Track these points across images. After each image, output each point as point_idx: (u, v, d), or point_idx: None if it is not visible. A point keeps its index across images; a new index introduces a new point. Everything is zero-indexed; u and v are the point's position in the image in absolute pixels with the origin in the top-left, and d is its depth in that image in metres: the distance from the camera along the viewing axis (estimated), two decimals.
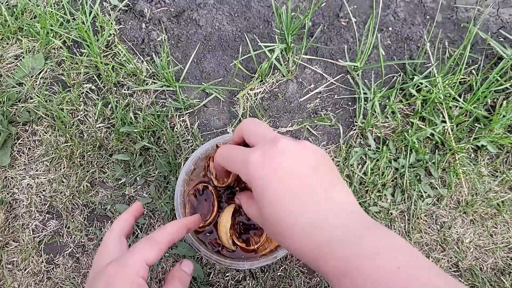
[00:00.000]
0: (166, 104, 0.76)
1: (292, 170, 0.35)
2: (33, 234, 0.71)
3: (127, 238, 0.43)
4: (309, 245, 0.33)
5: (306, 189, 0.35)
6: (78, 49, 0.81)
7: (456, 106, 0.75)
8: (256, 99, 0.76)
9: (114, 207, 0.71)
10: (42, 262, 0.70)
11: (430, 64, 0.78)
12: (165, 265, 0.68)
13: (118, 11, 0.83)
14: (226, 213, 0.53)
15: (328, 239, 0.33)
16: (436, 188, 0.72)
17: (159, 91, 0.77)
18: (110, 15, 0.82)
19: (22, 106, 0.77)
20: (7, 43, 0.82)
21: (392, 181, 0.72)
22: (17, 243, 0.71)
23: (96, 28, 0.81)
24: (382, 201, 0.71)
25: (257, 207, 0.37)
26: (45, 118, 0.76)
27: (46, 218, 0.72)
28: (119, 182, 0.72)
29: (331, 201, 0.35)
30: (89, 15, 0.81)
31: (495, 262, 0.69)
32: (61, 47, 0.80)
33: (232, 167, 0.40)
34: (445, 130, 0.73)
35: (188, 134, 0.74)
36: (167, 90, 0.77)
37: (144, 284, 0.36)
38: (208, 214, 0.56)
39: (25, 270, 0.70)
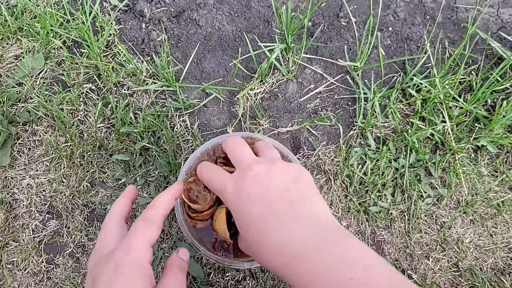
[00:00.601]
0: (166, 104, 0.76)
1: (261, 195, 0.38)
2: (33, 234, 0.71)
3: (126, 221, 0.43)
4: (278, 262, 0.35)
5: (272, 211, 0.37)
6: (78, 49, 0.81)
7: (456, 106, 0.75)
8: (256, 99, 0.76)
9: None
10: (42, 262, 0.70)
11: (430, 64, 0.78)
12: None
13: (118, 11, 0.83)
14: (223, 209, 0.54)
15: (291, 256, 0.34)
16: (436, 188, 0.72)
17: (159, 91, 0.77)
18: (110, 15, 0.82)
19: (22, 106, 0.77)
20: (7, 43, 0.82)
21: (392, 181, 0.72)
22: (17, 243, 0.71)
23: (96, 28, 0.81)
24: (382, 201, 0.71)
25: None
26: (45, 118, 0.76)
27: (46, 218, 0.72)
28: (119, 182, 0.72)
29: (297, 218, 0.36)
30: (89, 15, 0.81)
31: (495, 262, 0.69)
32: (61, 47, 0.80)
33: (212, 189, 0.43)
34: (445, 130, 0.73)
35: (188, 134, 0.74)
36: (167, 90, 0.77)
37: (149, 268, 0.37)
38: (205, 202, 0.55)
39: (25, 270, 0.70)
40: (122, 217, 0.43)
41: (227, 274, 0.67)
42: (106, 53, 0.80)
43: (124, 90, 0.77)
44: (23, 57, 0.80)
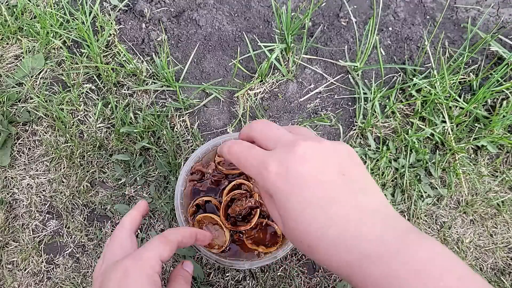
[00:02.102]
0: (166, 104, 0.76)
1: (315, 178, 0.32)
2: (33, 234, 0.71)
3: (135, 234, 0.44)
4: (341, 261, 0.30)
5: (332, 198, 0.31)
6: (78, 49, 0.81)
7: (456, 106, 0.75)
8: (256, 99, 0.76)
9: (114, 207, 0.71)
10: (42, 262, 0.70)
11: (430, 64, 0.78)
12: (165, 265, 0.68)
13: (118, 11, 0.83)
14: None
15: (361, 255, 0.29)
16: (436, 188, 0.72)
17: (159, 91, 0.77)
18: (110, 15, 0.82)
19: (22, 106, 0.77)
20: (7, 43, 0.82)
21: (392, 181, 0.72)
22: (17, 243, 0.71)
23: (96, 28, 0.81)
24: None
25: (279, 216, 0.34)
26: (45, 118, 0.76)
27: (46, 218, 0.72)
28: (119, 182, 0.72)
29: (362, 209, 0.31)
30: (89, 15, 0.81)
31: (495, 262, 0.69)
32: (61, 47, 0.80)
33: (246, 171, 0.36)
34: (445, 130, 0.73)
35: (188, 134, 0.74)
36: (167, 90, 0.77)
37: (159, 280, 0.37)
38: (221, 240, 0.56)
39: (25, 270, 0.70)
40: (132, 229, 0.43)
41: (227, 274, 0.67)
42: (106, 53, 0.80)
43: (124, 90, 0.77)
44: (23, 57, 0.80)
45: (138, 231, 0.70)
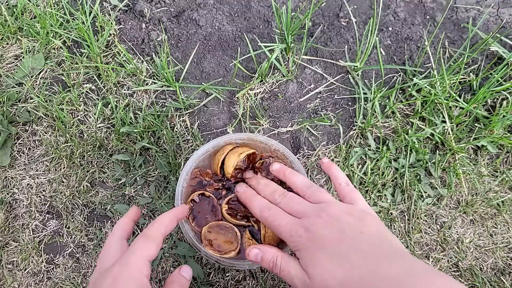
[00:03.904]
0: (166, 104, 0.76)
1: (336, 236, 0.39)
2: (33, 234, 0.71)
3: (127, 240, 0.44)
4: None
5: (351, 249, 0.38)
6: (78, 49, 0.81)
7: (456, 106, 0.75)
8: (256, 99, 0.76)
9: (114, 207, 0.71)
10: (42, 262, 0.70)
11: (430, 64, 0.78)
12: (165, 265, 0.68)
13: (118, 11, 0.83)
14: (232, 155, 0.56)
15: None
16: (436, 188, 0.72)
17: (159, 91, 0.77)
18: (110, 15, 0.82)
19: (22, 106, 0.77)
20: (7, 43, 0.82)
21: (392, 181, 0.72)
22: (17, 243, 0.71)
23: (96, 28, 0.81)
24: (382, 201, 0.71)
25: (301, 272, 0.40)
26: (45, 118, 0.76)
27: (46, 218, 0.72)
28: (119, 182, 0.72)
29: (380, 255, 0.37)
30: (89, 15, 0.81)
31: (495, 262, 0.69)
32: (61, 47, 0.80)
33: (277, 233, 0.45)
34: (445, 130, 0.73)
35: (188, 134, 0.74)
36: (167, 90, 0.77)
37: (147, 283, 0.37)
38: (212, 216, 0.56)
39: (25, 270, 0.70)
40: (122, 236, 0.44)
41: (227, 274, 0.67)
42: (106, 53, 0.80)
43: (124, 90, 0.77)
44: (23, 57, 0.80)
45: (138, 231, 0.70)
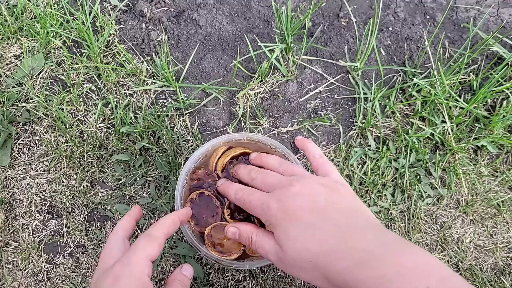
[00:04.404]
0: (166, 104, 0.76)
1: (310, 206, 0.39)
2: (33, 234, 0.71)
3: (129, 239, 0.44)
4: (337, 270, 0.34)
5: (326, 219, 0.37)
6: (78, 49, 0.81)
7: (456, 106, 0.75)
8: (256, 99, 0.76)
9: (114, 207, 0.71)
10: (42, 262, 0.70)
11: (430, 64, 0.78)
12: (165, 265, 0.68)
13: (118, 11, 0.83)
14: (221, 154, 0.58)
15: (353, 263, 0.34)
16: (436, 188, 0.72)
17: (159, 91, 0.77)
18: (110, 15, 0.82)
19: (22, 106, 0.77)
20: (7, 43, 0.82)
21: (392, 181, 0.72)
22: (17, 243, 0.71)
23: (96, 28, 0.81)
24: (382, 201, 0.71)
25: (275, 246, 0.40)
26: (45, 118, 0.76)
27: (46, 218, 0.72)
28: (119, 182, 0.72)
29: (352, 226, 0.36)
30: (89, 15, 0.81)
31: (495, 262, 0.69)
32: (61, 47, 0.80)
33: (252, 211, 0.44)
34: (445, 130, 0.73)
35: (188, 134, 0.74)
36: (167, 90, 0.77)
37: (148, 282, 0.37)
38: (213, 217, 0.56)
39: (25, 270, 0.70)
40: (124, 235, 0.44)
41: (227, 274, 0.67)
42: (106, 53, 0.80)
43: (124, 90, 0.77)
44: (23, 57, 0.80)
45: (138, 231, 0.70)
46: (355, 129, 0.75)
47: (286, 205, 0.39)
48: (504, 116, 0.72)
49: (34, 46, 0.81)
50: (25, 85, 0.78)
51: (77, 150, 0.73)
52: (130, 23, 0.82)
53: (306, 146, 0.51)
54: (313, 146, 0.51)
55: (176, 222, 0.44)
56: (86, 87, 0.78)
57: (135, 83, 0.77)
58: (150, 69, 0.78)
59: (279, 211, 0.39)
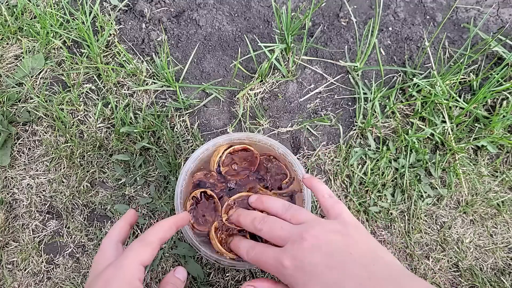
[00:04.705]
0: (166, 104, 0.76)
1: (326, 263, 0.37)
2: (33, 234, 0.71)
3: (123, 244, 0.44)
4: None
5: (346, 276, 0.36)
6: (78, 49, 0.81)
7: (456, 106, 0.75)
8: (256, 99, 0.76)
9: (114, 207, 0.71)
10: (42, 262, 0.70)
11: (430, 64, 0.78)
12: (165, 265, 0.68)
13: (118, 11, 0.83)
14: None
15: None
16: (436, 188, 0.72)
17: (159, 91, 0.77)
18: (110, 15, 0.82)
19: (22, 106, 0.77)
20: (7, 43, 0.82)
21: (392, 181, 0.72)
22: (17, 243, 0.71)
23: (96, 28, 0.81)
24: (382, 201, 0.71)
25: None
26: (45, 118, 0.76)
27: (46, 218, 0.72)
28: (119, 182, 0.72)
29: (373, 279, 0.35)
30: (89, 15, 0.81)
31: (495, 262, 0.69)
32: (61, 47, 0.80)
33: (268, 270, 0.42)
34: (445, 130, 0.73)
35: (188, 134, 0.74)
36: (167, 90, 0.77)
37: (140, 286, 0.36)
38: (212, 216, 0.56)
39: (25, 270, 0.70)
40: (118, 240, 0.44)
41: (227, 274, 0.67)
42: (106, 53, 0.80)
43: (124, 90, 0.77)
44: (23, 57, 0.80)
45: (138, 231, 0.70)
46: (355, 129, 0.75)
47: (302, 263, 0.37)
48: (504, 116, 0.72)
49: (34, 46, 0.81)
50: (25, 85, 0.78)
51: (77, 150, 0.73)
52: (130, 23, 0.82)
53: (314, 185, 0.49)
54: (321, 185, 0.48)
55: (172, 227, 0.44)
56: (86, 87, 0.78)
57: (135, 83, 0.77)
58: (150, 69, 0.78)
59: (295, 270, 0.38)
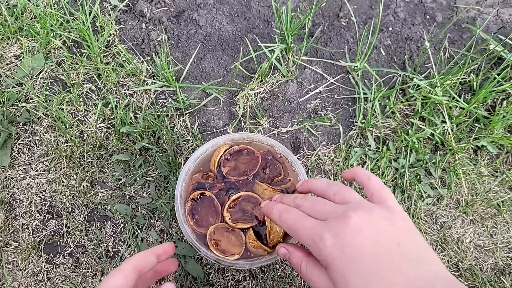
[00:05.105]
0: (166, 104, 0.76)
1: (371, 249, 0.34)
2: (33, 234, 0.71)
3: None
4: None
5: (392, 268, 0.32)
6: (78, 49, 0.81)
7: (456, 106, 0.75)
8: (256, 99, 0.76)
9: (114, 207, 0.71)
10: (42, 262, 0.70)
11: (430, 64, 0.78)
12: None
13: (118, 11, 0.83)
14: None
15: None
16: (436, 188, 0.72)
17: (159, 91, 0.77)
18: (110, 15, 0.82)
19: (22, 106, 0.77)
20: (7, 43, 0.82)
21: (392, 181, 0.72)
22: (17, 243, 0.71)
23: (96, 28, 0.81)
24: None
25: (328, 284, 0.36)
26: (45, 118, 0.76)
27: (46, 218, 0.72)
28: (119, 182, 0.72)
29: (423, 278, 0.32)
30: (89, 15, 0.81)
31: (495, 262, 0.69)
32: (61, 47, 0.80)
33: (300, 239, 0.38)
34: (445, 130, 0.73)
35: (188, 134, 0.74)
36: (167, 90, 0.77)
37: None
38: (212, 216, 0.56)
39: (25, 270, 0.70)
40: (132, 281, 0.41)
41: (227, 274, 0.67)
42: (106, 53, 0.80)
43: (124, 90, 0.77)
44: (23, 57, 0.80)
45: (138, 231, 0.70)
46: (355, 129, 0.75)
47: (344, 242, 0.34)
48: (504, 116, 0.72)
49: (34, 46, 0.81)
50: (25, 85, 0.78)
51: (77, 150, 0.73)
52: (130, 23, 0.82)
53: (354, 172, 0.45)
54: (362, 169, 0.45)
55: (150, 255, 0.43)
56: (86, 87, 0.78)
57: (135, 83, 0.77)
58: (150, 69, 0.78)
59: (335, 248, 0.34)
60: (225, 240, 0.55)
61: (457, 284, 0.33)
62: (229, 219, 0.55)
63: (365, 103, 0.76)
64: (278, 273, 0.67)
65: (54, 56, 0.81)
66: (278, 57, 0.78)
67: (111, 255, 0.70)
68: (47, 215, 0.72)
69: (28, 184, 0.73)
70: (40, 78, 0.79)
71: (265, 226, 0.54)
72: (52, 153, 0.74)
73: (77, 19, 0.80)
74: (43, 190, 0.73)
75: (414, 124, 0.73)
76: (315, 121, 0.75)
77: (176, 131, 0.74)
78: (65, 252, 0.70)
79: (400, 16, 0.83)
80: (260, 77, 0.76)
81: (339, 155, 0.73)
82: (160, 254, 0.44)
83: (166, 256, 0.45)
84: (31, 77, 0.79)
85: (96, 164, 0.73)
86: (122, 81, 0.78)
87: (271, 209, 0.44)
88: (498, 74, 0.72)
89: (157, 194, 0.71)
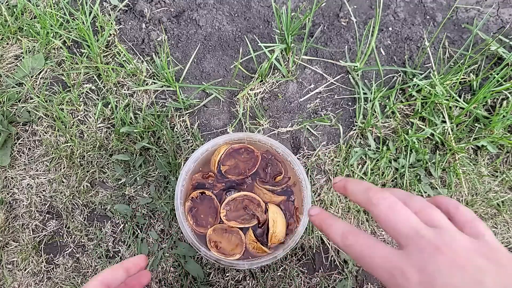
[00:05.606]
0: (166, 104, 0.76)
1: None
2: (33, 234, 0.71)
3: None
4: None
5: None
6: (78, 49, 0.81)
7: (456, 106, 0.75)
8: (256, 99, 0.76)
9: (114, 207, 0.71)
10: (42, 262, 0.70)
11: (430, 64, 0.78)
12: (165, 265, 0.68)
13: (118, 11, 0.83)
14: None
15: None
16: (436, 188, 0.72)
17: (159, 91, 0.77)
18: (110, 15, 0.82)
19: (22, 106, 0.77)
20: (7, 43, 0.82)
21: (392, 181, 0.72)
22: (17, 243, 0.71)
23: (96, 28, 0.81)
24: None
25: None
26: (45, 118, 0.76)
27: (46, 218, 0.72)
28: (119, 182, 0.72)
29: None
30: (89, 15, 0.81)
31: None
32: (61, 47, 0.80)
33: (372, 271, 0.31)
34: (445, 130, 0.73)
35: (188, 134, 0.74)
36: (167, 90, 0.77)
37: None
38: (212, 216, 0.56)
39: (25, 270, 0.70)
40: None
41: (227, 274, 0.67)
42: (106, 53, 0.80)
43: (124, 90, 0.77)
44: (23, 57, 0.80)
45: (138, 231, 0.70)
46: (355, 129, 0.75)
47: (433, 283, 0.27)
48: (504, 116, 0.72)
49: (34, 46, 0.81)
50: (25, 85, 0.78)
51: (77, 150, 0.73)
52: (130, 23, 0.82)
53: (438, 200, 0.35)
54: (447, 198, 0.36)
55: (118, 269, 0.42)
56: (86, 87, 0.78)
57: (135, 83, 0.77)
58: (150, 69, 0.78)
59: (419, 285, 0.28)
60: (225, 240, 0.55)
61: None
62: (224, 215, 0.55)
63: (365, 103, 0.76)
64: (278, 273, 0.67)
65: (54, 56, 0.81)
66: (278, 57, 0.78)
67: (111, 255, 0.70)
68: (47, 215, 0.72)
69: (28, 184, 0.73)
70: (40, 78, 0.79)
71: (264, 227, 0.55)
72: (52, 153, 0.74)
73: (77, 19, 0.80)
74: (43, 190, 0.73)
75: (414, 124, 0.73)
76: (315, 121, 0.75)
77: (176, 131, 0.74)
78: (65, 252, 0.70)
79: (400, 16, 0.83)
80: (260, 77, 0.76)
81: (339, 155, 0.73)
82: (129, 267, 0.43)
83: (137, 269, 0.43)
84: (31, 77, 0.79)
85: (96, 164, 0.73)
86: (122, 81, 0.78)
87: (328, 227, 0.35)
88: (498, 74, 0.72)
89: (157, 194, 0.71)
